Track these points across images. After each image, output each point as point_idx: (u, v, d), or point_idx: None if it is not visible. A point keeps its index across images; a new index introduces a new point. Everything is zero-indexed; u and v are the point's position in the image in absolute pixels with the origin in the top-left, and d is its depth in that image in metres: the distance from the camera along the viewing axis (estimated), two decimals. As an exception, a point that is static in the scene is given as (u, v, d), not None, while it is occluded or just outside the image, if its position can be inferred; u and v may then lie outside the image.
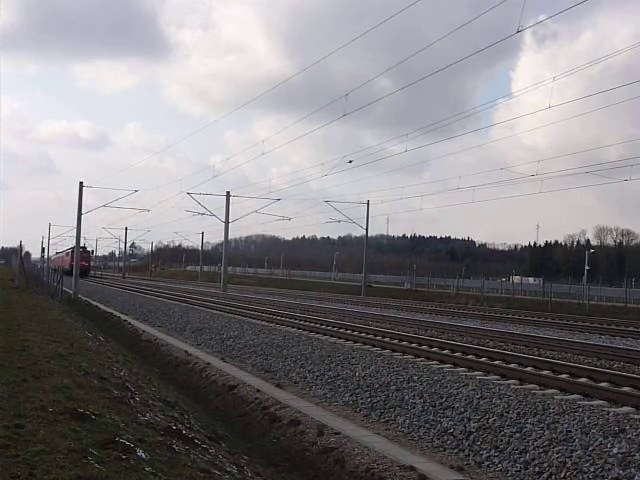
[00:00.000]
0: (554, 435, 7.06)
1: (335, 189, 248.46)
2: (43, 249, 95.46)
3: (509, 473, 6.43)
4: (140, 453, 4.60)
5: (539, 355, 13.98)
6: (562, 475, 6.16)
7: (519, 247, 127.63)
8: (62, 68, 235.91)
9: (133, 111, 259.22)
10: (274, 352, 13.99)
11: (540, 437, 7.05)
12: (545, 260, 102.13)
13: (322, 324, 20.15)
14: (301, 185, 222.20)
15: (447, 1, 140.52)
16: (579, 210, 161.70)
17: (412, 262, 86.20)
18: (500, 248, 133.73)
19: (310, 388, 10.63)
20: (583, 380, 10.43)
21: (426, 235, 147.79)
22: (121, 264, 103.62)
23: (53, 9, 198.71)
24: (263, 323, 20.29)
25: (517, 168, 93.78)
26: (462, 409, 8.40)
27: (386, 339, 16.07)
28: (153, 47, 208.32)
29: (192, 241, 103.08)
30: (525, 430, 7.33)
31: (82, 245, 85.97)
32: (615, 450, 6.42)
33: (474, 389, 9.42)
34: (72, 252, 77.17)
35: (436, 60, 68.70)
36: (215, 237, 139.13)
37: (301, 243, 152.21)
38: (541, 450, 6.74)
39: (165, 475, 4.28)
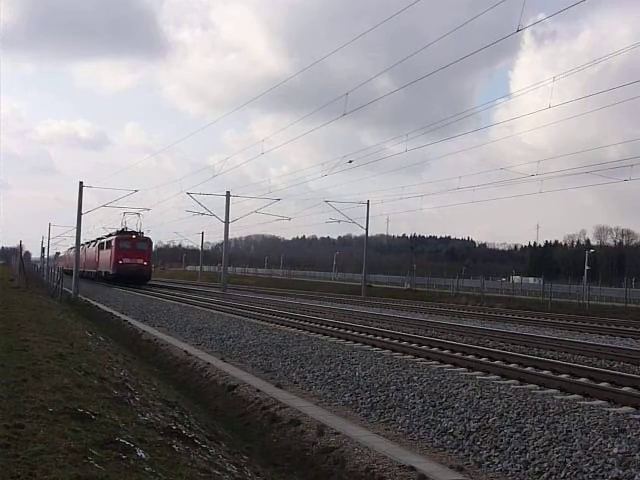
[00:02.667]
0: (554, 435, 7.05)
1: (335, 189, 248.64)
2: (43, 249, 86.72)
3: (509, 473, 6.43)
4: (140, 453, 4.60)
5: (539, 355, 13.98)
6: (562, 475, 6.16)
7: (519, 247, 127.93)
8: (60, 67, 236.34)
9: (132, 111, 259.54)
10: (274, 352, 13.99)
11: (540, 437, 7.05)
12: (545, 260, 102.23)
13: (322, 324, 20.14)
14: (301, 185, 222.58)
15: (447, 1, 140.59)
16: (579, 210, 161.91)
17: (412, 262, 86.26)
18: (500, 248, 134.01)
19: (310, 388, 10.62)
20: (583, 380, 10.43)
21: (426, 235, 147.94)
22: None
23: (51, 8, 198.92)
24: (263, 323, 20.29)
25: (517, 168, 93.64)
26: (462, 409, 8.40)
27: (386, 339, 16.07)
28: (152, 46, 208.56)
29: (192, 241, 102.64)
30: (525, 430, 7.33)
31: (133, 230, 51.67)
32: (615, 450, 6.42)
33: (474, 389, 9.42)
34: (118, 241, 48.42)
35: (436, 60, 68.83)
36: (215, 237, 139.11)
37: (301, 243, 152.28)
38: (541, 450, 6.74)
39: (165, 475, 4.28)
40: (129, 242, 49.04)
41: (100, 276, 53.03)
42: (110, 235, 54.61)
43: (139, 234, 51.49)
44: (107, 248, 51.60)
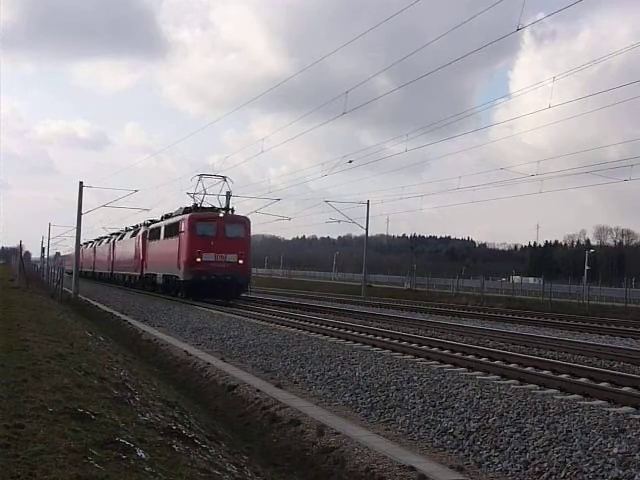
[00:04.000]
0: (554, 435, 7.05)
1: (335, 189, 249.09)
2: (43, 249, 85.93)
3: (509, 473, 6.42)
4: (140, 453, 4.60)
5: (539, 355, 13.97)
6: (562, 475, 6.15)
7: (519, 247, 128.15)
8: (60, 67, 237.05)
9: (132, 111, 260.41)
10: (274, 352, 13.98)
11: (540, 437, 7.05)
12: (545, 260, 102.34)
13: (322, 324, 20.14)
14: (301, 185, 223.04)
15: (446, 1, 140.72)
16: (579, 210, 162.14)
17: (412, 262, 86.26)
18: (500, 248, 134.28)
19: (310, 388, 10.62)
20: (583, 380, 10.43)
21: (426, 235, 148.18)
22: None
23: (51, 8, 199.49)
24: (263, 323, 20.29)
25: (517, 168, 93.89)
26: (462, 409, 8.40)
27: (386, 339, 16.06)
28: (151, 46, 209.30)
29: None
30: (525, 430, 7.33)
31: (213, 206, 32.23)
32: (615, 450, 6.42)
33: (474, 389, 9.42)
34: (193, 222, 29.27)
35: (435, 60, 68.90)
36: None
37: (301, 243, 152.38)
38: (541, 450, 6.73)
39: (165, 475, 4.28)
40: (214, 224, 29.03)
41: (150, 282, 34.85)
42: (171, 215, 33.72)
43: (229, 211, 30.94)
44: (169, 236, 31.72)
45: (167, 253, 31.69)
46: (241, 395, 10.43)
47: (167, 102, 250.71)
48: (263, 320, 21.34)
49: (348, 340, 16.00)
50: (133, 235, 42.72)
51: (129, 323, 22.08)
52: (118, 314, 25.17)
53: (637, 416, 7.75)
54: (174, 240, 30.65)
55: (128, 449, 4.61)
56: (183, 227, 29.66)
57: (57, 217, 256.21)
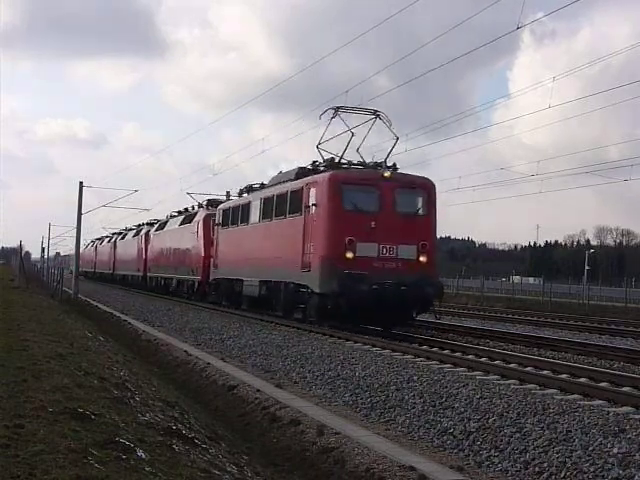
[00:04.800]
0: (554, 435, 7.05)
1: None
2: (43, 249, 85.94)
3: (509, 473, 6.42)
4: (140, 453, 4.60)
5: (539, 355, 13.98)
6: (562, 475, 6.15)
7: (519, 247, 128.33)
8: (59, 67, 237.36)
9: (131, 111, 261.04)
10: (274, 352, 13.98)
11: (540, 437, 7.05)
12: (545, 260, 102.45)
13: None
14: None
15: (446, 1, 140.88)
16: (579, 210, 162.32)
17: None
18: (500, 248, 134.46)
19: (310, 388, 10.62)
20: (583, 380, 10.43)
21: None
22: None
23: (50, 7, 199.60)
24: (263, 323, 20.28)
25: (517, 168, 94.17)
26: (462, 409, 8.40)
27: (386, 339, 16.05)
28: (151, 46, 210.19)
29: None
30: (525, 430, 7.33)
31: (362, 162, 18.31)
32: (615, 450, 6.41)
33: (474, 389, 9.42)
34: (334, 183, 16.24)
35: (435, 60, 68.99)
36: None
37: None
38: (541, 450, 6.73)
39: (165, 475, 4.28)
40: (374, 190, 16.81)
41: (224, 291, 24.65)
42: (262, 186, 22.49)
43: (391, 168, 17.85)
44: (275, 215, 19.90)
45: (270, 245, 19.95)
46: (241, 395, 10.43)
47: (167, 102, 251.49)
48: (263, 320, 21.33)
49: (348, 340, 15.99)
50: (184, 222, 30.56)
51: (129, 323, 22.08)
52: (118, 314, 25.16)
53: (637, 416, 7.75)
54: (289, 222, 18.62)
55: (128, 449, 4.61)
56: (314, 197, 17.16)
57: (57, 217, 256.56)
